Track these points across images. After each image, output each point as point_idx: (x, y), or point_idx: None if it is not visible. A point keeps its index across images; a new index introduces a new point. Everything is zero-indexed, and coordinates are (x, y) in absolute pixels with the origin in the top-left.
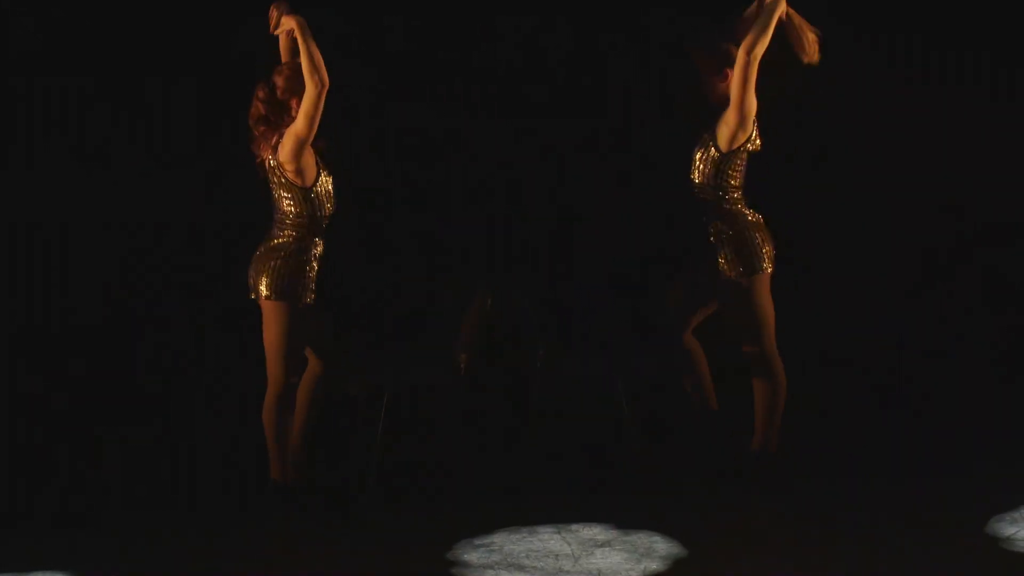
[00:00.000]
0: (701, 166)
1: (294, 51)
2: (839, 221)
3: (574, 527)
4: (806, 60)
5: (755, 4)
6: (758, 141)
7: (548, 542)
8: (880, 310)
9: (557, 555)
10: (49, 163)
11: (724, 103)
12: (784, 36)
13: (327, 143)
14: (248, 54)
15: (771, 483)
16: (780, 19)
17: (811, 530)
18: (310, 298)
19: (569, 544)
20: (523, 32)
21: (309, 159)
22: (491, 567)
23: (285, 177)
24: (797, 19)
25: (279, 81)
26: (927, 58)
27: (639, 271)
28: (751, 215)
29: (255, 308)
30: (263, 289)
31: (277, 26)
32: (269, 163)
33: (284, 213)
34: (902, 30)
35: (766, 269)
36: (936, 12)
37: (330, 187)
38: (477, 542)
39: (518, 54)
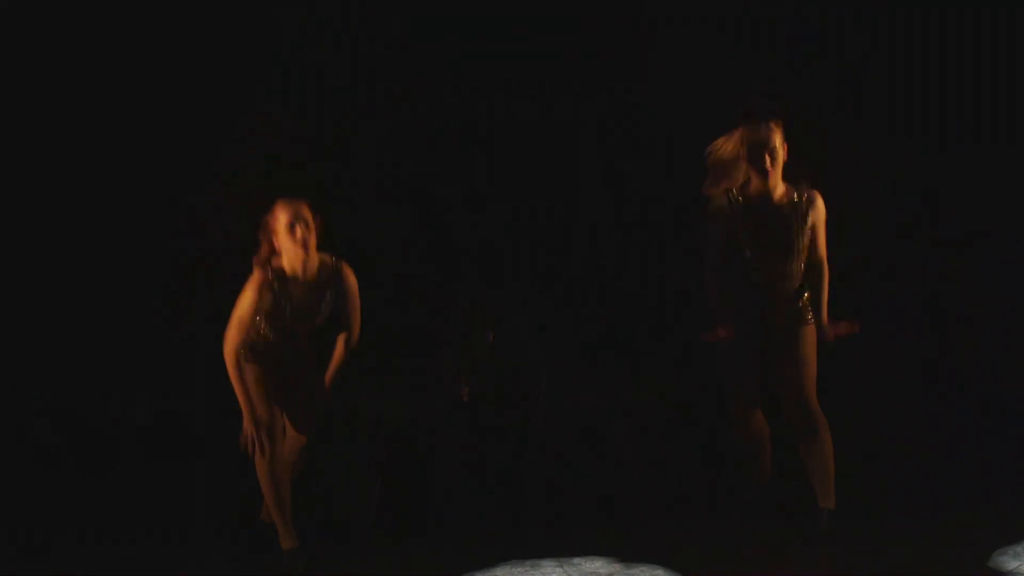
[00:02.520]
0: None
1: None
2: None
3: (576, 560)
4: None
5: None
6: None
7: (550, 575)
8: (882, 337)
9: None
10: (49, 166)
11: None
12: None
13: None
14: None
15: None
16: None
17: (810, 562)
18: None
19: None
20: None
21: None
22: None
23: None
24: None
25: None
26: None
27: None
28: None
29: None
30: None
31: None
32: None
33: None
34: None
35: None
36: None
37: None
38: None
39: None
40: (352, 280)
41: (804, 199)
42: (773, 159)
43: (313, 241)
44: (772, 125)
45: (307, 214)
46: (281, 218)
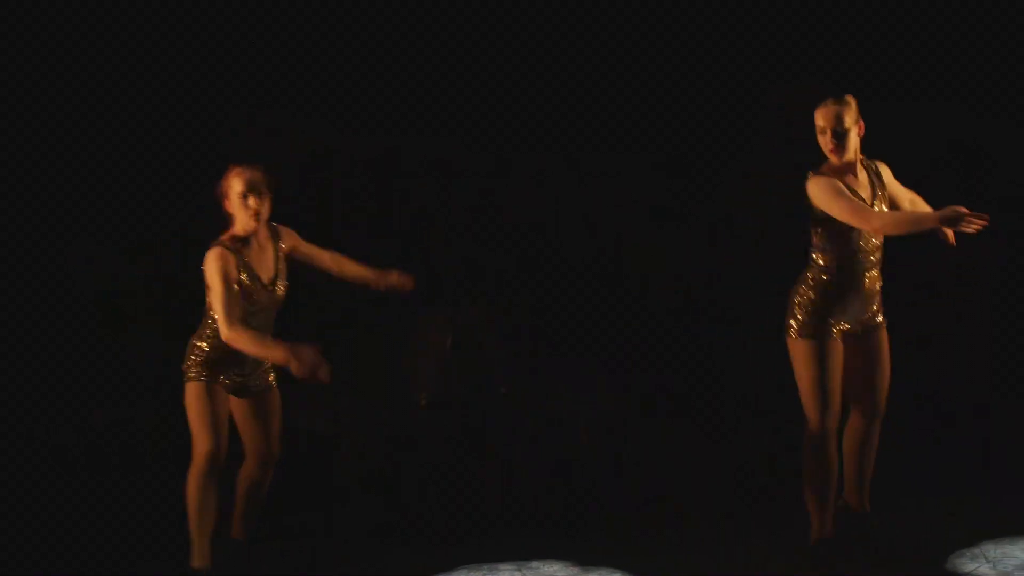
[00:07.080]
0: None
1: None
2: None
3: (534, 564)
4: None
5: None
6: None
7: None
8: None
9: None
10: (46, 166)
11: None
12: None
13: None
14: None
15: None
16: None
17: (767, 566)
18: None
19: None
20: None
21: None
22: None
23: None
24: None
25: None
26: None
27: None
28: None
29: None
30: None
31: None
32: None
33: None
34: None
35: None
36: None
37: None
38: None
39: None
40: (292, 232)
41: (875, 167)
42: (847, 139)
43: (265, 213)
44: (837, 106)
45: (262, 184)
46: (235, 186)
